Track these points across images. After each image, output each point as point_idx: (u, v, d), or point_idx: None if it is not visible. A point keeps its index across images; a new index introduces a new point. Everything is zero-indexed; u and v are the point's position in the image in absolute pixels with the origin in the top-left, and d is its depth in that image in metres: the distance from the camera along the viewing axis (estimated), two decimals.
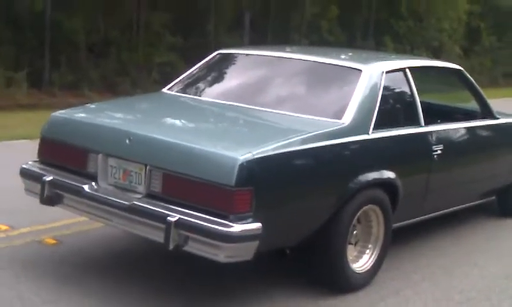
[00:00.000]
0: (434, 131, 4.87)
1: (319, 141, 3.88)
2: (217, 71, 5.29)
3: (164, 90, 5.16)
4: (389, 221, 4.37)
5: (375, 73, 4.51)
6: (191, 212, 3.47)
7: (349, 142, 4.09)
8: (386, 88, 4.50)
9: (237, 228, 3.35)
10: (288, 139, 3.76)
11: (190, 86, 5.11)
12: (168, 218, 3.45)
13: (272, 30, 18.99)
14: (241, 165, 3.40)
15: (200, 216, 3.43)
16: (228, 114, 4.54)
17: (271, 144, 3.65)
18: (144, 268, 4.44)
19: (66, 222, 5.07)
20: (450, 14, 23.47)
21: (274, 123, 4.29)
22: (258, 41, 17.64)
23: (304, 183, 3.79)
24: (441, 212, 5.30)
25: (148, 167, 3.71)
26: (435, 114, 5.26)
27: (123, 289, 4.04)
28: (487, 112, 5.71)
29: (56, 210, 4.32)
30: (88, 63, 14.58)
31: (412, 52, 21.56)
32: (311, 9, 19.59)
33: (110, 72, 14.86)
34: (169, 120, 4.53)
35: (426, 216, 5.08)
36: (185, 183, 3.57)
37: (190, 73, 5.26)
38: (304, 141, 3.82)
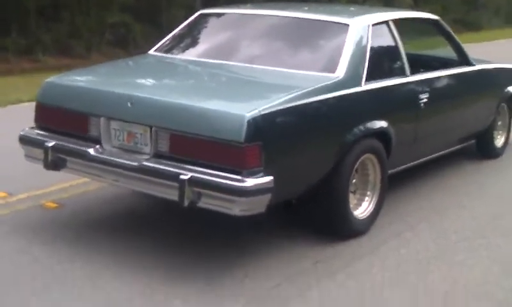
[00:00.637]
0: (419, 80, 5.08)
1: (318, 95, 4.03)
2: (202, 31, 5.34)
3: (151, 52, 5.16)
4: (385, 168, 4.56)
5: (361, 26, 4.64)
6: (203, 170, 3.56)
7: (346, 94, 4.24)
8: (373, 41, 4.63)
9: (250, 182, 3.45)
10: (290, 94, 3.87)
11: (177, 47, 5.15)
12: (181, 176, 3.53)
13: None
14: (249, 121, 3.48)
15: (212, 173, 3.52)
16: (223, 72, 4.64)
17: (275, 99, 3.77)
18: (149, 224, 4.56)
19: (63, 185, 5.10)
20: None
21: (272, 79, 4.41)
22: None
23: (308, 135, 3.96)
24: (429, 157, 5.57)
25: (153, 129, 3.77)
26: (418, 64, 5.45)
27: (134, 244, 4.14)
28: (464, 60, 5.96)
29: (51, 175, 4.36)
30: (39, 27, 14.22)
31: (364, 3, 21.44)
32: None
33: (63, 36, 14.54)
34: (167, 81, 4.64)
35: (415, 162, 5.32)
36: (193, 142, 3.64)
37: (174, 34, 5.28)
38: (305, 95, 3.94)
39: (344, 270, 3.91)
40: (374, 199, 4.54)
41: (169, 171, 3.63)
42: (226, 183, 3.46)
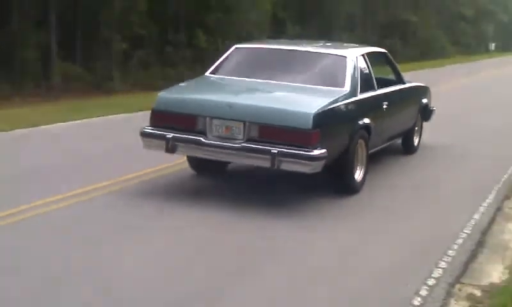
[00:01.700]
0: (382, 93, 7.71)
1: (342, 101, 6.54)
2: (241, 60, 7.51)
3: (207, 74, 7.36)
4: (368, 150, 7.04)
5: (353, 57, 7.15)
6: (283, 147, 5.78)
7: (352, 101, 6.73)
8: (359, 67, 7.11)
9: (316, 153, 5.81)
10: (328, 100, 6.34)
11: (227, 70, 7.32)
12: (272, 150, 5.79)
13: (82, 27, 18.96)
14: (314, 116, 5.88)
15: (291, 148, 5.80)
16: (272, 87, 6.93)
17: (322, 103, 6.19)
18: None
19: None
20: (257, 5, 23.75)
21: (308, 91, 6.77)
22: (67, 37, 17.76)
23: (338, 125, 6.47)
24: (385, 144, 8.21)
25: (247, 123, 5.97)
26: (379, 82, 7.71)
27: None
28: (401, 80, 8.76)
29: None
30: None
31: (224, 44, 21.80)
32: (120, 3, 19.39)
33: None
34: (244, 93, 6.98)
35: (379, 147, 7.82)
36: (275, 129, 5.91)
37: (220, 62, 7.45)
38: (335, 101, 6.44)
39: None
40: (363, 169, 6.99)
41: (264, 148, 5.87)
42: (302, 154, 5.79)
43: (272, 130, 5.91)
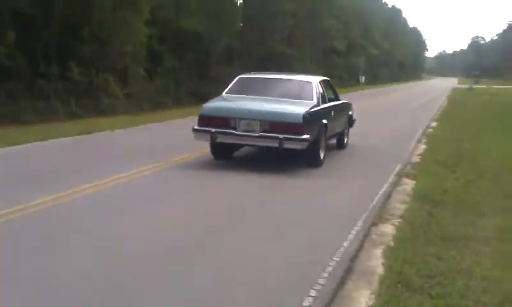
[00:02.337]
0: (330, 105, 11.96)
1: (314, 108, 10.74)
2: (245, 85, 11.73)
3: (224, 94, 11.51)
4: (326, 140, 11.32)
5: (316, 83, 11.54)
6: (285, 134, 9.94)
7: (319, 109, 10.94)
8: (319, 88, 11.46)
9: (305, 136, 10.03)
10: (308, 107, 10.48)
11: (237, 91, 11.49)
12: (279, 136, 9.98)
13: None
14: (303, 116, 10.15)
15: (290, 135, 9.99)
16: (270, 101, 10.87)
17: (305, 108, 10.40)
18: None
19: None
20: (132, 37, 23.58)
21: (295, 103, 10.78)
22: None
23: (314, 122, 10.44)
24: (331, 140, 12.42)
25: (261, 121, 10.08)
26: (327, 98, 12.25)
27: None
28: (338, 98, 13.37)
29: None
30: None
31: (98, 76, 21.72)
32: None
33: None
34: (256, 103, 10.76)
35: (328, 141, 11.93)
36: (280, 124, 10.04)
37: (230, 87, 11.71)
38: (312, 108, 10.60)
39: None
40: (324, 153, 11.18)
41: (274, 135, 9.99)
42: (298, 138, 9.97)
43: (278, 125, 10.16)
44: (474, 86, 66.95)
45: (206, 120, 10.44)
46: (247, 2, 38.41)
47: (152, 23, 25.20)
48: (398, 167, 11.52)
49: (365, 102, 29.51)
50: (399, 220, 7.61)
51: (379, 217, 7.75)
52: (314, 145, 10.55)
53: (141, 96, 24.56)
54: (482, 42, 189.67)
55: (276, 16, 40.39)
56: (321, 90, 11.73)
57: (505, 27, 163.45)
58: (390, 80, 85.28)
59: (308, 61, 47.94)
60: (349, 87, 53.84)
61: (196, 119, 10.89)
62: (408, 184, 9.97)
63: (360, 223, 7.43)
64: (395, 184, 10.00)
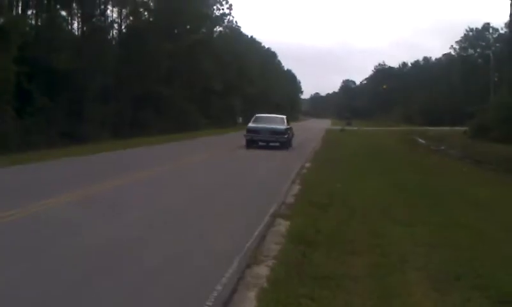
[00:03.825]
0: (289, 127, 32.86)
1: (286, 126, 32.08)
2: (257, 120, 32.08)
3: (250, 124, 31.48)
4: (291, 138, 32.93)
5: (285, 117, 34.10)
6: (280, 135, 30.49)
7: (287, 127, 32.13)
8: (286, 119, 33.29)
9: (286, 136, 31.01)
10: (285, 126, 31.73)
11: (255, 121, 31.92)
12: (276, 135, 30.64)
13: None
14: (285, 129, 31.29)
15: (280, 136, 30.47)
16: (272, 125, 31.22)
17: (284, 126, 31.61)
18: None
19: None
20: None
21: (278, 126, 31.32)
22: None
23: (287, 132, 31.46)
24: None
25: (268, 130, 30.37)
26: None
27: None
28: (289, 123, 33.87)
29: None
30: None
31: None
32: None
33: None
34: (264, 125, 30.94)
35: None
36: (276, 131, 30.53)
37: (252, 120, 32.10)
38: (286, 126, 32.08)
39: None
40: (291, 144, 32.53)
41: (275, 135, 30.61)
42: (283, 136, 30.61)
43: (275, 131, 30.00)
44: (346, 127, 70.03)
45: (248, 130, 30.20)
46: (123, 41, 38.02)
47: (21, 61, 24.20)
48: (273, 208, 11.59)
49: (243, 143, 30.17)
50: (274, 261, 7.60)
51: (254, 258, 7.70)
52: (288, 140, 30.51)
53: (7, 136, 23.39)
54: (353, 85, 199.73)
55: (152, 55, 40.22)
56: (286, 120, 32.46)
57: (372, 72, 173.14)
58: None
59: (186, 101, 48.04)
60: (227, 128, 54.38)
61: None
62: (283, 225, 10.03)
63: (234, 265, 7.33)
64: (270, 225, 10.03)
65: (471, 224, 10.44)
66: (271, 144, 30.03)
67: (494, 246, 8.92)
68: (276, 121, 32.28)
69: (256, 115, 33.29)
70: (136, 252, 7.91)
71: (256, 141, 30.12)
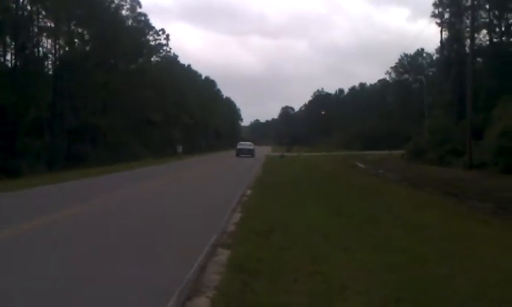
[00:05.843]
0: (252, 147, 75.83)
1: (253, 148, 75.08)
2: (240, 145, 76.22)
3: (238, 147, 74.32)
4: (254, 154, 71.92)
5: (252, 144, 78.70)
6: (249, 154, 70.88)
7: (253, 148, 74.93)
8: (252, 145, 78.11)
9: (253, 151, 73.26)
10: (253, 148, 75.01)
11: (238, 146, 75.28)
12: (250, 153, 70.72)
13: None
14: (253, 149, 74.05)
15: (250, 153, 71.45)
16: (246, 148, 74.01)
17: (253, 147, 75.14)
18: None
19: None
20: None
21: (250, 147, 74.45)
22: None
23: (253, 151, 72.89)
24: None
25: (247, 150, 72.08)
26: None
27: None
28: (252, 146, 76.77)
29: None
30: None
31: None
32: None
33: None
34: (244, 147, 73.71)
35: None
36: (249, 151, 71.64)
37: (237, 146, 75.77)
38: (253, 148, 74.84)
39: None
40: (256, 155, 71.52)
41: (251, 152, 71.48)
42: (252, 153, 71.49)
43: (248, 151, 70.23)
44: (286, 153, 75.73)
45: (237, 150, 71.07)
46: (58, 73, 37.34)
47: None
48: (214, 238, 11.44)
49: (184, 173, 29.65)
50: (214, 292, 7.46)
51: (194, 290, 7.55)
52: (253, 153, 69.14)
53: None
54: (292, 112, 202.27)
55: (88, 86, 39.68)
56: (253, 145, 76.69)
57: (310, 98, 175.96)
58: (208, 149, 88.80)
59: (125, 131, 47.49)
60: (167, 157, 54.06)
61: None
62: (224, 254, 9.91)
63: (174, 298, 7.15)
64: (211, 254, 9.88)
65: (409, 247, 10.58)
66: (242, 155, 65.90)
67: (431, 268, 9.05)
68: (249, 145, 72.71)
69: (239, 142, 75.64)
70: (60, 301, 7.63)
71: (239, 154, 65.57)
